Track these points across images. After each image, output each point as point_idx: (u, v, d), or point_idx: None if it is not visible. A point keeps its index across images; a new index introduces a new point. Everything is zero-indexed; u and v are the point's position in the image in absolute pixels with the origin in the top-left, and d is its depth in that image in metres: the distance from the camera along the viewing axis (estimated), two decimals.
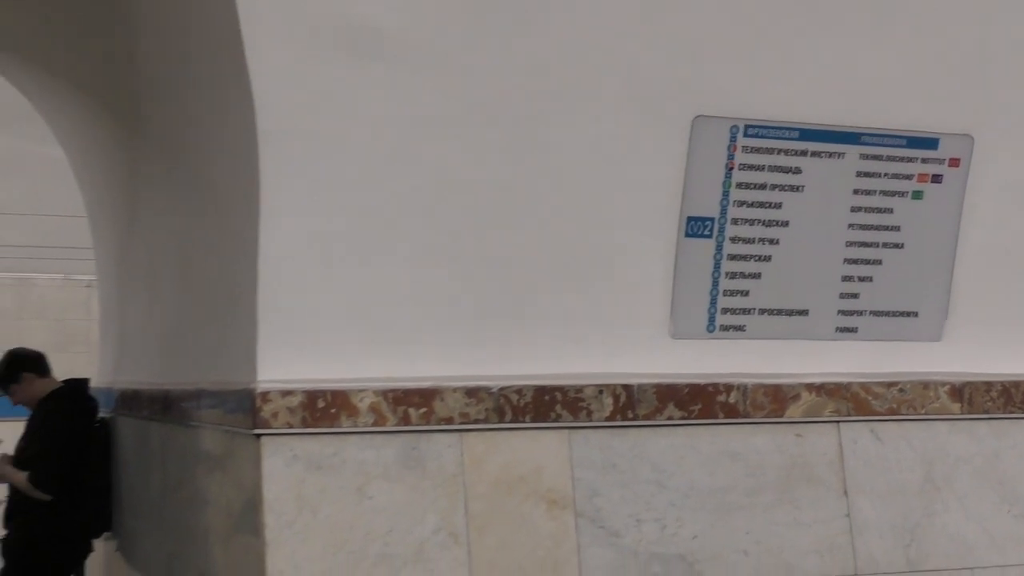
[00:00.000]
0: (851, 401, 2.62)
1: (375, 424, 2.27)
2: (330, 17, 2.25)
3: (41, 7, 3.85)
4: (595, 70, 2.43)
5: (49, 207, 7.30)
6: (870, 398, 2.64)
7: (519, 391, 2.37)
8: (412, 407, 2.30)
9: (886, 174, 2.62)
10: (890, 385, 2.66)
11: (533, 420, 2.38)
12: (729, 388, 2.53)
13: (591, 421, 2.41)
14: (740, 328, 2.59)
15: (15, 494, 4.43)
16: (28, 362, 4.68)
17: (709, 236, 2.53)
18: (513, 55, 2.38)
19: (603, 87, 2.43)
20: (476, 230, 2.41)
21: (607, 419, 2.42)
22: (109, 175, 4.28)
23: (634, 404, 2.44)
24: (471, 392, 2.34)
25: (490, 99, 2.39)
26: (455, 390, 2.33)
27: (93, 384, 4.67)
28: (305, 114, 2.27)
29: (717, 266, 2.55)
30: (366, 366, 2.30)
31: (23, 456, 4.44)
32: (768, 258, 2.57)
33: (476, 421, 2.34)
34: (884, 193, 2.63)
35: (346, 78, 2.28)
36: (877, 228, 2.65)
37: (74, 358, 5.24)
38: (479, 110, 2.39)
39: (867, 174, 2.61)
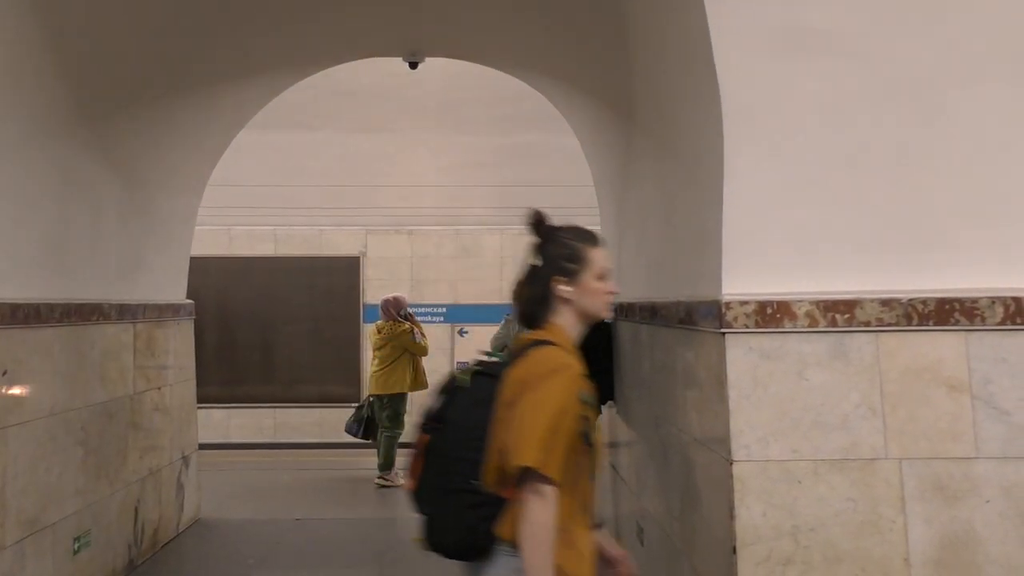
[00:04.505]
0: None
1: (809, 325, 2.75)
2: (776, 22, 2.74)
3: (566, 38, 4.62)
4: (990, 47, 2.72)
5: (565, 180, 9.17)
6: None
7: (924, 301, 2.75)
8: (838, 313, 2.75)
9: None
10: None
11: (935, 324, 2.74)
12: None
13: (984, 325, 2.74)
14: None
15: None
16: None
17: None
18: (921, 40, 2.73)
19: (999, 60, 2.72)
20: (890, 177, 2.78)
21: (998, 324, 2.73)
22: (609, 154, 5.19)
23: (1022, 312, 2.74)
24: (885, 302, 2.76)
25: (903, 76, 2.75)
26: (872, 300, 2.75)
27: None
28: (756, 97, 2.76)
29: None
30: (802, 283, 2.78)
31: None
32: None
33: (888, 324, 2.75)
34: None
35: (788, 67, 2.74)
36: None
37: None
38: (894, 85, 2.75)
39: None
